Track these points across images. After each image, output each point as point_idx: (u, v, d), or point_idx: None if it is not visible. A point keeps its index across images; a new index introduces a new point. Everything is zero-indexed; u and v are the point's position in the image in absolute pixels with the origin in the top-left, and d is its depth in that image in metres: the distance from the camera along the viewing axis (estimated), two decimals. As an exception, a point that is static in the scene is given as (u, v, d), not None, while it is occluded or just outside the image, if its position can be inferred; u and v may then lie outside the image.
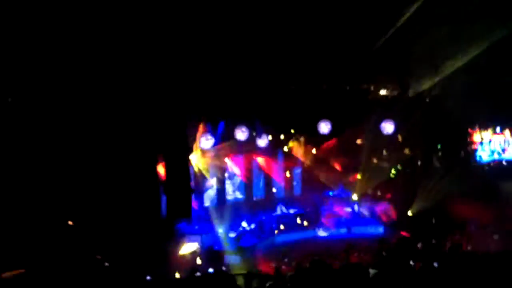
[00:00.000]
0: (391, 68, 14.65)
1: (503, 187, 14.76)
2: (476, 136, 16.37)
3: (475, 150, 16.43)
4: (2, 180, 10.79)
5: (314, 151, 16.94)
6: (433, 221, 14.94)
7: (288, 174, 17.24)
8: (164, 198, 13.55)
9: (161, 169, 13.47)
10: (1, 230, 10.36)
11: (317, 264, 6.70)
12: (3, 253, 9.64)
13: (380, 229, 15.81)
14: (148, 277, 9.69)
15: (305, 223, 16.06)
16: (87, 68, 11.36)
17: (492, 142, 16.46)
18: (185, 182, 13.70)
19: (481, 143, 16.43)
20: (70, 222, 11.60)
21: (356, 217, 16.53)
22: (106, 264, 11.19)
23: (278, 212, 16.28)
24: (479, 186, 14.70)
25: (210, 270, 10.85)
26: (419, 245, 12.04)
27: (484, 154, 16.45)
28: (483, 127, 16.34)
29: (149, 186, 13.05)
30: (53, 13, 10.19)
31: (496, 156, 16.42)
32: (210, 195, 15.67)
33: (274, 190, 17.03)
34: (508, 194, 14.31)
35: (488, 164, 16.47)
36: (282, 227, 15.62)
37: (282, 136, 16.15)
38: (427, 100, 15.40)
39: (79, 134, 11.64)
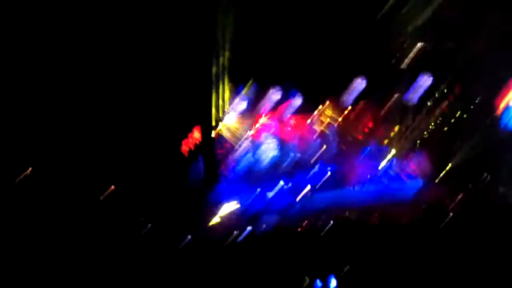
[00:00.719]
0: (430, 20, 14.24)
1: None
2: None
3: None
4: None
5: (350, 108, 16.78)
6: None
7: (324, 133, 17.18)
8: (201, 161, 13.89)
9: (197, 133, 13.72)
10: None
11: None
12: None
13: (419, 184, 15.67)
14: (189, 237, 10.04)
15: (342, 180, 16.08)
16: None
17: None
18: (220, 145, 13.95)
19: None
20: (112, 187, 12.07)
21: (394, 173, 16.40)
22: (149, 225, 11.65)
23: (315, 170, 16.32)
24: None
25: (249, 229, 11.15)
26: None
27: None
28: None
29: (186, 149, 13.36)
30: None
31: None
32: (247, 156, 15.85)
33: (309, 149, 17.03)
34: None
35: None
36: (319, 185, 15.70)
37: (316, 95, 16.01)
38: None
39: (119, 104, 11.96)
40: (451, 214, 9.28)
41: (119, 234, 10.69)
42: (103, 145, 12.19)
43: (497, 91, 15.28)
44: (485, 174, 14.33)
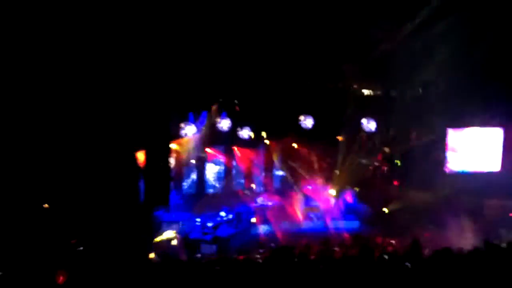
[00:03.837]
0: (374, 68, 14.88)
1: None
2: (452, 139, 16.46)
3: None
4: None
5: (295, 145, 17.10)
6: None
7: (268, 167, 17.37)
8: (143, 185, 13.58)
9: (141, 156, 13.46)
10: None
11: (282, 252, 6.82)
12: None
13: (356, 225, 16.02)
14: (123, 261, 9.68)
15: (283, 215, 16.18)
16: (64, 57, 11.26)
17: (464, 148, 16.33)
18: (165, 169, 13.74)
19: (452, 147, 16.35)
20: (46, 205, 11.54)
21: (333, 212, 16.70)
22: (81, 248, 11.16)
23: (257, 203, 16.39)
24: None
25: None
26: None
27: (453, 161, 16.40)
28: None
29: (127, 172, 13.03)
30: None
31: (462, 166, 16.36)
32: (189, 183, 15.73)
33: (253, 181, 17.15)
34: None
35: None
36: (260, 218, 15.72)
37: (264, 130, 16.24)
38: (407, 100, 15.64)
39: (56, 118, 11.54)
40: (384, 256, 9.41)
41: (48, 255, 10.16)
42: (41, 162, 11.69)
43: (436, 138, 16.12)
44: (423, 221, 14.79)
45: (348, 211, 16.75)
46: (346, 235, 14.09)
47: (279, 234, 14.51)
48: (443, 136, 16.18)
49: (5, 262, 8.25)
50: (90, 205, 11.72)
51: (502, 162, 15.63)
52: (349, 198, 17.16)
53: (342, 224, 15.93)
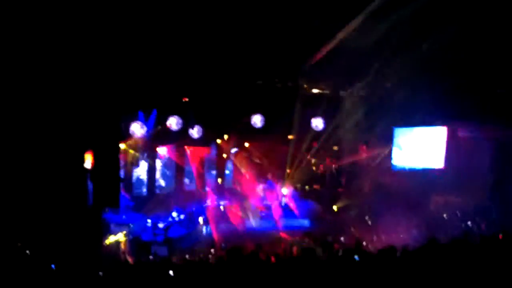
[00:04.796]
0: (325, 68, 15.09)
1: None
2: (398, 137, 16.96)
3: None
4: None
5: (246, 144, 17.15)
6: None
7: (220, 166, 17.33)
8: (91, 186, 13.24)
9: (88, 157, 13.12)
10: None
11: (233, 253, 6.84)
12: None
13: (306, 223, 16.25)
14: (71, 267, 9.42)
15: (235, 215, 16.21)
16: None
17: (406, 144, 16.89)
18: (114, 170, 13.43)
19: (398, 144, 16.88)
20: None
21: (284, 210, 16.88)
22: (27, 252, 10.77)
23: (208, 203, 16.33)
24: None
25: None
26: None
27: (399, 158, 16.95)
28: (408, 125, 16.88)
29: (74, 173, 12.67)
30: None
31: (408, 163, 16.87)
32: (140, 184, 15.48)
33: (205, 181, 17.07)
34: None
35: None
36: (211, 218, 15.67)
37: (215, 129, 16.18)
38: (356, 99, 15.99)
39: (4, 119, 11.09)
40: (336, 252, 9.62)
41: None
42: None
43: (383, 136, 16.59)
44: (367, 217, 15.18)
45: (298, 210, 16.96)
46: (296, 233, 14.27)
47: (231, 234, 14.54)
48: (390, 134, 16.69)
49: None
50: (36, 207, 11.33)
51: (446, 160, 16.24)
52: (299, 196, 17.40)
53: (292, 222, 16.14)
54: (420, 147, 16.69)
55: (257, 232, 15.23)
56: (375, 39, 13.23)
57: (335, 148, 17.13)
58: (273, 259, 8.53)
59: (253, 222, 16.09)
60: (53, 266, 9.22)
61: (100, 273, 7.63)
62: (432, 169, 16.45)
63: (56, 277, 8.40)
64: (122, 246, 12.97)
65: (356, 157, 16.96)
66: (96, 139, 13.00)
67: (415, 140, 16.75)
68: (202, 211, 15.68)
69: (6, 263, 9.56)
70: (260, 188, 17.50)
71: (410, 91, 14.24)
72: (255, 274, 6.31)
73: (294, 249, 11.66)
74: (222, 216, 15.84)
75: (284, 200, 17.26)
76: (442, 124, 16.25)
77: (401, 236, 12.38)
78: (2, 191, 11.04)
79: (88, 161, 13.15)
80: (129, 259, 11.76)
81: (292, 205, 17.16)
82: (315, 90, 16.59)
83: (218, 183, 17.32)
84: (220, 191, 17.00)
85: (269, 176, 17.62)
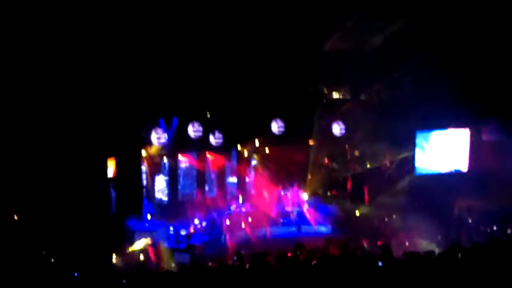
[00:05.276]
0: (344, 73, 15.06)
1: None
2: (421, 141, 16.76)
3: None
4: None
5: (267, 150, 17.13)
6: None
7: (241, 173, 17.34)
8: (114, 194, 13.39)
9: (111, 165, 13.28)
10: None
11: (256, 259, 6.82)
12: None
13: (328, 229, 16.13)
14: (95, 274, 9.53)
15: (256, 221, 16.18)
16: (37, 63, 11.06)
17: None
18: (136, 178, 13.59)
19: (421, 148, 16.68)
20: (15, 217, 11.27)
21: (305, 216, 16.79)
22: (52, 260, 10.93)
23: (232, 209, 16.34)
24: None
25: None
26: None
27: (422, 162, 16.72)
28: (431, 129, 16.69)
29: (98, 181, 12.83)
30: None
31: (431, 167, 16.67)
32: (162, 191, 15.57)
33: (226, 188, 17.10)
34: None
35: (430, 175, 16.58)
36: (233, 225, 15.68)
37: (235, 135, 16.21)
38: (376, 103, 15.89)
39: (28, 127, 11.30)
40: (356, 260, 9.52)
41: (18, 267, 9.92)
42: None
43: (406, 140, 16.43)
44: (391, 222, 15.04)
45: (320, 215, 16.85)
46: (319, 239, 14.16)
47: (253, 240, 14.52)
48: (412, 138, 16.51)
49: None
50: (60, 216, 11.50)
51: (469, 163, 16.01)
52: (321, 202, 17.29)
53: (314, 228, 16.05)
54: (443, 151, 16.48)
55: (278, 239, 15.19)
56: (394, 41, 13.19)
57: (357, 153, 17.01)
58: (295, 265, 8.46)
59: (274, 228, 16.04)
60: (76, 274, 9.35)
61: (124, 280, 7.68)
62: (456, 173, 16.23)
63: (80, 284, 8.51)
64: (147, 253, 13.06)
65: (378, 161, 16.81)
66: (118, 147, 13.20)
67: (438, 143, 16.54)
68: (223, 218, 15.69)
69: (31, 270, 9.74)
70: (281, 194, 17.44)
71: (432, 93, 14.09)
72: (277, 280, 6.30)
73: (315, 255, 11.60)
74: (243, 223, 15.83)
75: (305, 206, 17.17)
76: (465, 126, 16.03)
77: (425, 241, 12.22)
78: (27, 199, 11.26)
79: (111, 169, 13.34)
80: (153, 267, 11.81)
81: (313, 211, 17.06)
82: (335, 95, 16.56)
83: (239, 189, 17.31)
84: (241, 198, 16.98)
85: (290, 182, 17.54)
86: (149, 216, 14.37)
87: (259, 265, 6.81)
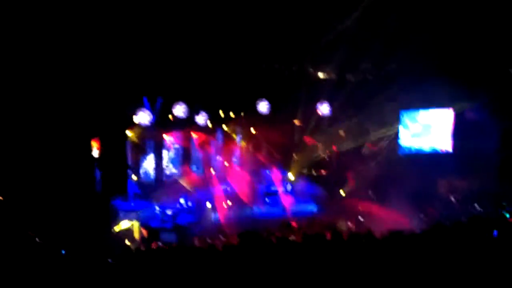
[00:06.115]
0: (330, 52, 14.99)
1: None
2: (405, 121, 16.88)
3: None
4: None
5: (252, 130, 17.13)
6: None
7: (226, 152, 17.35)
8: (98, 174, 13.33)
9: (95, 145, 13.19)
10: None
11: (246, 236, 6.87)
12: None
13: (314, 208, 16.28)
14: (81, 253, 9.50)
15: (242, 201, 16.26)
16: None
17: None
18: (121, 158, 13.51)
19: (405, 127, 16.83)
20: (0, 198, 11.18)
21: (291, 196, 16.91)
22: (38, 240, 10.88)
23: (216, 189, 16.36)
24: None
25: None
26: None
27: (406, 139, 16.89)
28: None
29: (82, 161, 12.76)
30: None
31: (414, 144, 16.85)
32: (147, 171, 15.53)
33: (212, 168, 17.10)
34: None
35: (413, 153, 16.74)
36: (218, 205, 15.73)
37: (221, 115, 16.16)
38: (362, 83, 15.92)
39: (12, 108, 11.15)
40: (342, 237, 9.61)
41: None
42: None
43: (390, 120, 16.55)
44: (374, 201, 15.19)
45: (305, 195, 16.98)
46: (304, 218, 14.31)
47: (239, 220, 14.60)
48: (397, 117, 16.63)
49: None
50: (45, 196, 11.44)
51: (453, 142, 16.19)
52: (306, 182, 17.41)
53: (299, 207, 16.18)
54: (427, 130, 16.63)
55: (264, 218, 15.29)
56: (379, 20, 13.15)
57: (341, 132, 17.08)
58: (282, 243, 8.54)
59: (260, 208, 16.14)
60: (63, 251, 9.34)
61: (109, 259, 7.68)
62: (439, 152, 16.41)
63: (66, 263, 8.49)
64: (134, 233, 13.07)
65: (362, 141, 16.92)
66: (102, 127, 13.10)
67: (422, 122, 16.68)
68: (209, 197, 15.73)
69: (16, 251, 9.68)
70: (266, 173, 17.51)
71: (417, 73, 14.15)
72: (266, 258, 6.34)
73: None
74: (230, 202, 15.89)
75: (290, 185, 17.28)
76: (449, 106, 16.16)
77: (408, 219, 12.38)
78: (11, 180, 11.15)
79: (95, 150, 13.25)
80: (139, 246, 11.84)
81: (298, 190, 17.18)
82: (320, 75, 16.52)
83: (224, 169, 17.34)
84: (227, 177, 17.02)
85: (275, 161, 17.60)
86: (134, 194, 14.36)
87: (247, 244, 6.85)
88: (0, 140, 11.11)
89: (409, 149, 16.79)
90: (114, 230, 12.79)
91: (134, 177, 14.85)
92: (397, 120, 16.71)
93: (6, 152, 11.16)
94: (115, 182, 13.33)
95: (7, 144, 11.18)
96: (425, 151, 16.62)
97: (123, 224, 13.08)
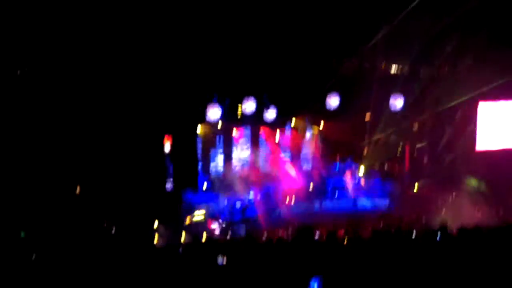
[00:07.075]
0: (403, 46, 14.59)
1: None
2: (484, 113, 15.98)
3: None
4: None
5: (322, 125, 16.99)
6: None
7: (295, 147, 17.32)
8: (171, 169, 13.79)
9: (167, 140, 13.63)
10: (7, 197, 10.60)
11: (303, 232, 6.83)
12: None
13: (385, 203, 15.89)
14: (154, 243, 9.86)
15: (312, 195, 16.17)
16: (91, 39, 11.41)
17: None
18: (192, 153, 13.87)
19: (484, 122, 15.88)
20: (77, 191, 11.85)
21: (362, 191, 16.60)
22: (113, 231, 11.41)
23: (285, 183, 16.39)
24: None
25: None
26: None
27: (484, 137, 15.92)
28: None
29: (155, 156, 13.24)
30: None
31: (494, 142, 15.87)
32: (217, 165, 15.83)
33: (280, 162, 17.13)
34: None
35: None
36: (288, 198, 15.76)
37: (289, 110, 16.14)
38: (436, 77, 15.33)
39: (95, 106, 11.79)
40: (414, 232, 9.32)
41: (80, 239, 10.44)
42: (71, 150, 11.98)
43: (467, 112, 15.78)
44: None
45: (376, 190, 16.61)
46: (375, 213, 14.04)
47: (305, 214, 14.55)
48: (474, 111, 15.78)
49: (38, 247, 8.50)
50: (120, 190, 11.99)
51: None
52: (378, 177, 17.02)
53: (370, 202, 15.86)
54: (508, 124, 15.70)
55: (333, 213, 15.15)
56: (455, 12, 12.62)
57: (416, 127, 16.55)
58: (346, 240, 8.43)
59: (329, 202, 16.00)
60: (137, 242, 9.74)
61: (180, 249, 7.91)
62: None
63: (140, 253, 8.86)
64: (203, 225, 13.41)
65: (438, 135, 16.29)
66: (174, 123, 13.52)
67: (503, 116, 15.75)
68: (278, 191, 15.79)
69: (92, 241, 10.21)
70: (336, 168, 17.31)
71: (496, 61, 13.38)
72: (327, 254, 6.29)
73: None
74: (298, 196, 15.86)
75: (362, 180, 16.97)
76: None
77: (483, 217, 11.84)
78: (91, 175, 11.80)
79: (167, 145, 13.72)
80: (209, 238, 12.11)
81: (369, 185, 16.84)
82: (392, 69, 16.10)
83: (293, 163, 17.31)
84: (296, 172, 16.98)
85: (346, 156, 17.35)
86: (204, 188, 14.69)
87: (306, 238, 6.82)
88: (84, 137, 11.77)
89: (487, 145, 15.89)
90: (185, 222, 13.17)
91: (204, 171, 15.18)
92: (475, 114, 15.89)
93: (87, 148, 11.82)
94: (186, 176, 13.72)
95: (90, 140, 11.83)
96: (503, 146, 15.70)
97: (194, 217, 13.43)
